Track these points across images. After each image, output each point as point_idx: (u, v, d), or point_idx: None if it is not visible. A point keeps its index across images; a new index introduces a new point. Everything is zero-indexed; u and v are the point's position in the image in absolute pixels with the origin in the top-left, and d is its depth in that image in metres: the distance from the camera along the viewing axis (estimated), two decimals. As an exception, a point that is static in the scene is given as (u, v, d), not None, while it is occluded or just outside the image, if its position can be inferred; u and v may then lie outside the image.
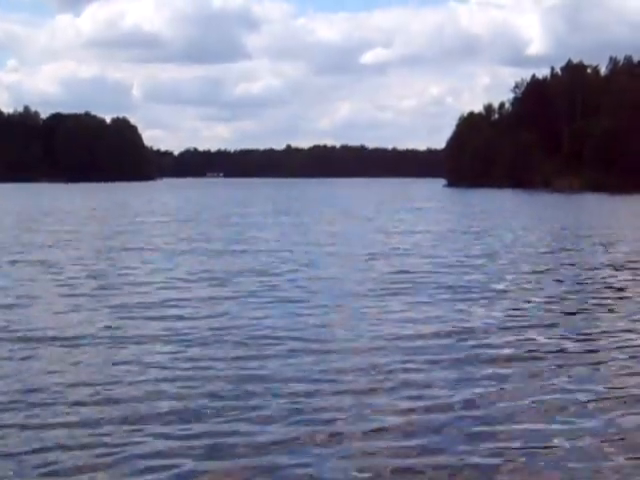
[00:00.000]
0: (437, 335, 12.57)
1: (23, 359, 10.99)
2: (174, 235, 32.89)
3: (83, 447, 7.63)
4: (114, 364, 10.69)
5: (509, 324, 13.63)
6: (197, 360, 10.88)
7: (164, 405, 8.90)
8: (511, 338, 12.45)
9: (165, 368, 10.44)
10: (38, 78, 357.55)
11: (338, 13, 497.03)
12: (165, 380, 9.87)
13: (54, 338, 12.26)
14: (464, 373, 10.30)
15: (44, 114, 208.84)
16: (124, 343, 11.95)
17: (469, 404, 8.99)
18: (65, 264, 21.98)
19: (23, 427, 8.17)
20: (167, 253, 25.33)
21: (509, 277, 19.73)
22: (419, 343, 12.00)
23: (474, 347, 11.78)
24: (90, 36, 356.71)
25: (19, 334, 12.52)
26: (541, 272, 21.04)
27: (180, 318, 13.91)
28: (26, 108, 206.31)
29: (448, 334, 12.64)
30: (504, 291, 17.47)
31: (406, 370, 10.37)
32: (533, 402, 9.10)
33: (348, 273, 20.27)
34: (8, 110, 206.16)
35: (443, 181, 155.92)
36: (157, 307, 15.10)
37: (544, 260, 24.03)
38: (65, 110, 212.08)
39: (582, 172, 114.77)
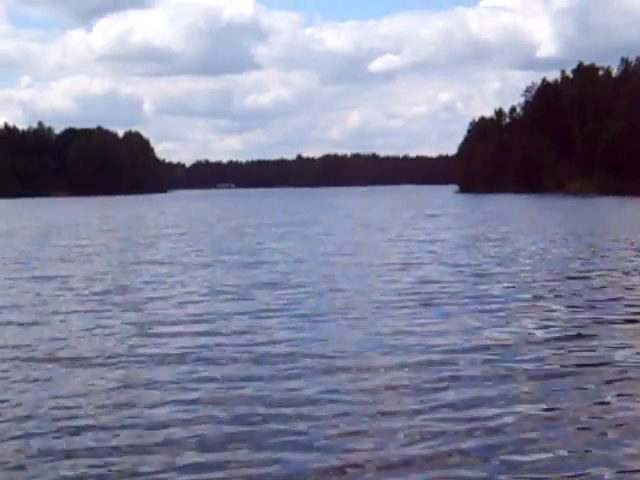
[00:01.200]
0: (468, 350, 12.19)
1: (46, 380, 10.75)
2: (190, 247, 32.63)
3: (111, 474, 7.39)
4: (138, 385, 10.42)
5: (544, 336, 13.22)
6: (223, 381, 10.57)
7: (191, 429, 8.61)
8: (548, 352, 12.01)
9: (191, 390, 10.15)
10: (51, 94, 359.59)
11: (346, 22, 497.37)
12: (192, 402, 9.60)
13: (76, 358, 12.02)
14: (498, 391, 9.90)
15: (57, 129, 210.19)
16: (147, 362, 11.70)
17: (503, 426, 8.61)
18: (83, 279, 21.75)
19: (48, 452, 7.94)
20: (184, 266, 25.07)
21: (539, 285, 19.30)
22: (450, 358, 11.63)
23: (507, 362, 11.40)
24: (101, 51, 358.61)
25: (41, 354, 12.32)
26: (572, 279, 20.58)
27: (202, 335, 13.63)
28: (40, 124, 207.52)
29: (479, 348, 12.25)
30: (537, 300, 17.03)
31: (437, 390, 9.98)
32: (574, 422, 8.72)
33: (370, 284, 19.92)
34: (22, 126, 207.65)
35: (455, 187, 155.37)
36: (178, 324, 14.83)
37: (574, 266, 23.52)
38: (78, 125, 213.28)
39: (595, 175, 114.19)
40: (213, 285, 20.26)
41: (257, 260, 26.53)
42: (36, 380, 10.78)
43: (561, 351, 12.06)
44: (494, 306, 16.22)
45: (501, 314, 15.31)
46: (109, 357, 12.08)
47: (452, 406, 9.29)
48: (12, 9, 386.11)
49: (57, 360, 11.91)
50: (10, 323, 15.21)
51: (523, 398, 9.64)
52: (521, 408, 9.20)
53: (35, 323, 15.13)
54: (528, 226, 43.20)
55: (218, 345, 12.78)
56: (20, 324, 15.07)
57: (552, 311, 15.69)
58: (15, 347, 12.88)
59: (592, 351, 12.07)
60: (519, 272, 22.10)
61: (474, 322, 14.54)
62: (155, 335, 13.79)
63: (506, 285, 19.40)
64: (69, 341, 13.34)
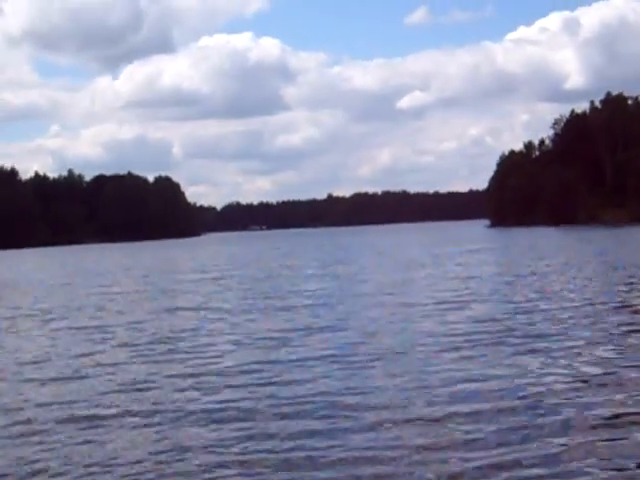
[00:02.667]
0: (535, 397, 11.47)
1: (89, 438, 10.26)
2: (226, 293, 32.17)
3: None
4: (183, 442, 9.86)
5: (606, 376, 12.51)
6: (271, 439, 9.92)
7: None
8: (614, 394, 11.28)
9: (239, 447, 9.58)
10: (80, 141, 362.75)
11: (373, 60, 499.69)
12: (239, 465, 9.02)
13: (119, 414, 11.52)
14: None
15: (88, 176, 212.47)
16: (190, 417, 11.14)
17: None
18: (121, 329, 21.29)
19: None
20: (221, 313, 24.51)
21: (589, 321, 18.48)
22: (517, 405, 10.94)
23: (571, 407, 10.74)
24: (129, 97, 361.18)
25: (83, 410, 11.81)
26: (620, 311, 19.81)
27: (246, 388, 13.00)
28: (70, 172, 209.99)
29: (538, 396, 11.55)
30: (590, 337, 16.26)
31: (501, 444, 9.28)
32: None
33: (419, 326, 19.18)
34: (53, 174, 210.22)
35: (486, 222, 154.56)
36: (220, 375, 14.18)
37: (627, 298, 22.60)
38: (108, 171, 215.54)
39: (627, 205, 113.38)
40: (252, 332, 19.59)
41: (297, 303, 25.89)
42: (79, 438, 10.27)
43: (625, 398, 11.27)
44: (547, 345, 15.51)
45: (556, 353, 14.58)
46: (151, 412, 11.52)
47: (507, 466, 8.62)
48: (38, 59, 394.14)
49: (99, 417, 11.39)
50: (50, 378, 14.67)
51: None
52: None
53: (73, 378, 14.60)
54: (565, 260, 42.24)
55: (264, 398, 12.14)
56: (59, 379, 14.55)
57: (607, 349, 14.95)
58: (58, 404, 12.39)
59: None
60: (565, 307, 21.22)
61: (533, 363, 13.82)
62: (196, 388, 13.21)
63: (554, 322, 18.61)
64: (110, 396, 12.81)
